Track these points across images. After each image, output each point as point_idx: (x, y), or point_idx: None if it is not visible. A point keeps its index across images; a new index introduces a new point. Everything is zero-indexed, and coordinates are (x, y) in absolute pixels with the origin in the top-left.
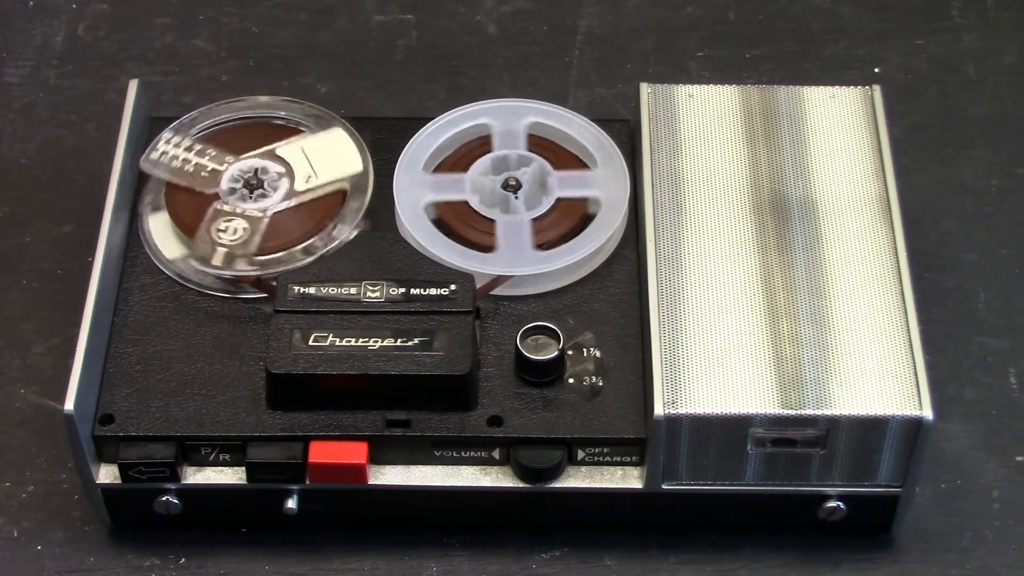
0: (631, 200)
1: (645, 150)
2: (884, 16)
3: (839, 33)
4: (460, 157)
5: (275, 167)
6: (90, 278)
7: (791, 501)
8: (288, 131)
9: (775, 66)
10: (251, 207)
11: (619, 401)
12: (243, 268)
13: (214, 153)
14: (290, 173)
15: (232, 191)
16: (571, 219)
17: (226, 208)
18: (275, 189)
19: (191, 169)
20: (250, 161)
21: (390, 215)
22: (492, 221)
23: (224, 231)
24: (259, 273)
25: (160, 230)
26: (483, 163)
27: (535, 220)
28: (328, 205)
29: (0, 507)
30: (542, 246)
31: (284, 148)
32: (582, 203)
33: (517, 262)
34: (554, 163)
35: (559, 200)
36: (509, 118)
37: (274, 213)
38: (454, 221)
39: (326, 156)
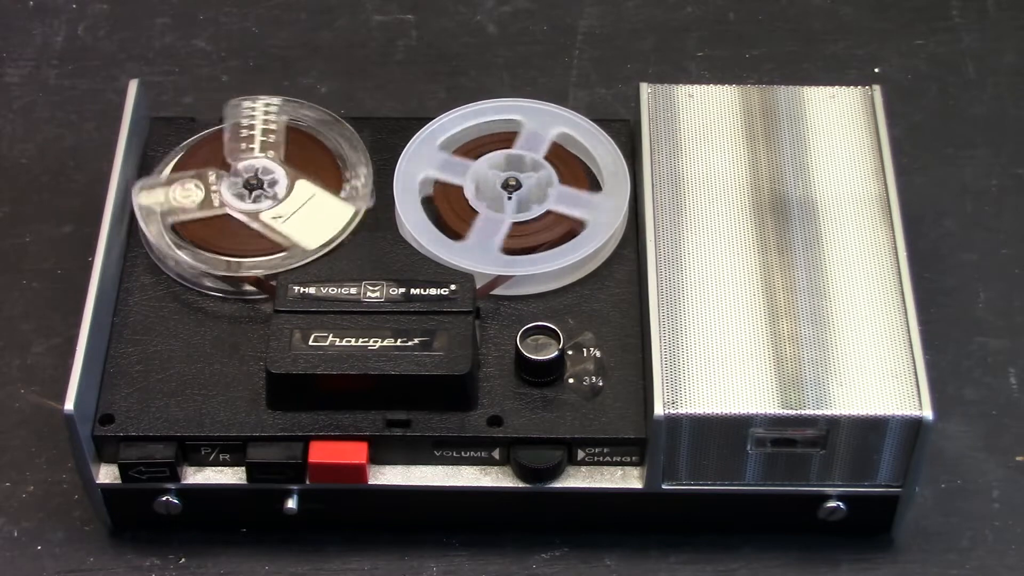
0: (631, 200)
1: (645, 150)
2: (884, 16)
3: (839, 33)
4: (477, 146)
5: (260, 163)
6: (90, 278)
7: (791, 501)
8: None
9: (775, 66)
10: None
11: (619, 401)
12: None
13: (193, 173)
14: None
15: (241, 196)
16: (552, 233)
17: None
18: (275, 183)
19: (193, 203)
20: (241, 168)
21: (390, 215)
22: (476, 213)
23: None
24: (259, 273)
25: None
26: (495, 157)
27: (517, 224)
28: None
29: (0, 507)
30: (511, 250)
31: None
32: (570, 221)
33: (480, 258)
34: (563, 177)
35: (548, 212)
36: (540, 122)
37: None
38: (442, 203)
39: (311, 218)
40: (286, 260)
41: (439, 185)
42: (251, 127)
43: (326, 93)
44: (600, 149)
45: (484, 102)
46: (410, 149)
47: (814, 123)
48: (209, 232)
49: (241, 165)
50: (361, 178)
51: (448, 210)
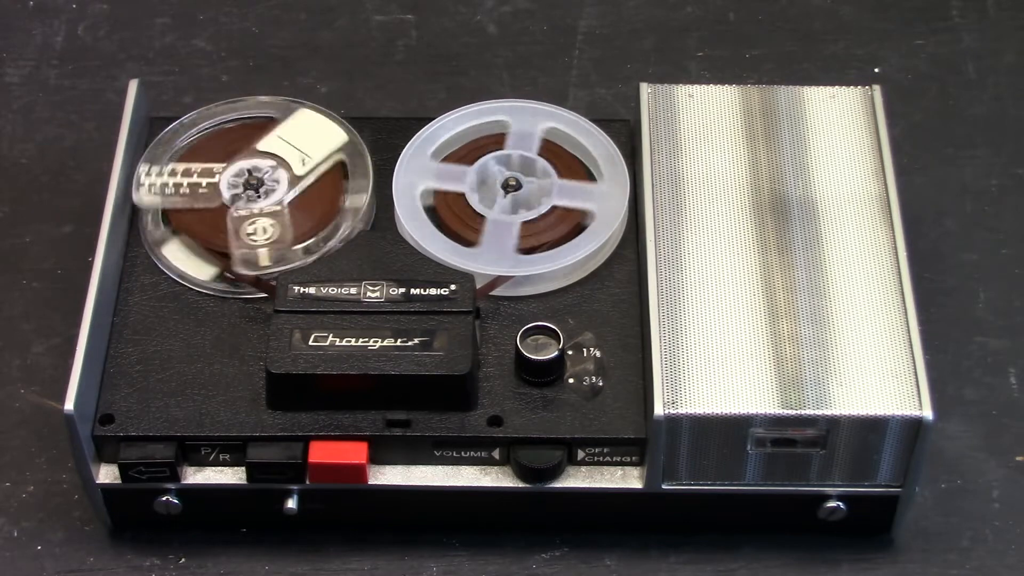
0: (631, 200)
1: (645, 150)
2: (884, 16)
3: (839, 33)
4: (471, 151)
5: (265, 163)
6: (90, 278)
7: (791, 501)
8: (257, 128)
9: (775, 66)
10: (265, 204)
11: (619, 401)
12: (284, 261)
13: (200, 168)
14: (282, 163)
15: (236, 197)
16: (562, 227)
17: (243, 213)
18: (277, 181)
19: (186, 191)
20: (238, 164)
21: (390, 215)
22: (483, 217)
23: (254, 233)
24: (259, 273)
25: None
26: (490, 159)
27: (526, 223)
28: (331, 197)
29: (0, 507)
30: (527, 250)
31: (264, 143)
32: (577, 213)
33: (498, 262)
34: (560, 171)
35: (555, 208)
36: (527, 120)
37: (289, 202)
38: (446, 212)
39: (307, 136)
40: (286, 260)
41: (440, 194)
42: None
43: (326, 93)
44: (590, 139)
45: (469, 106)
46: (403, 162)
47: (814, 123)
48: (209, 229)
49: (233, 168)
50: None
51: (454, 219)
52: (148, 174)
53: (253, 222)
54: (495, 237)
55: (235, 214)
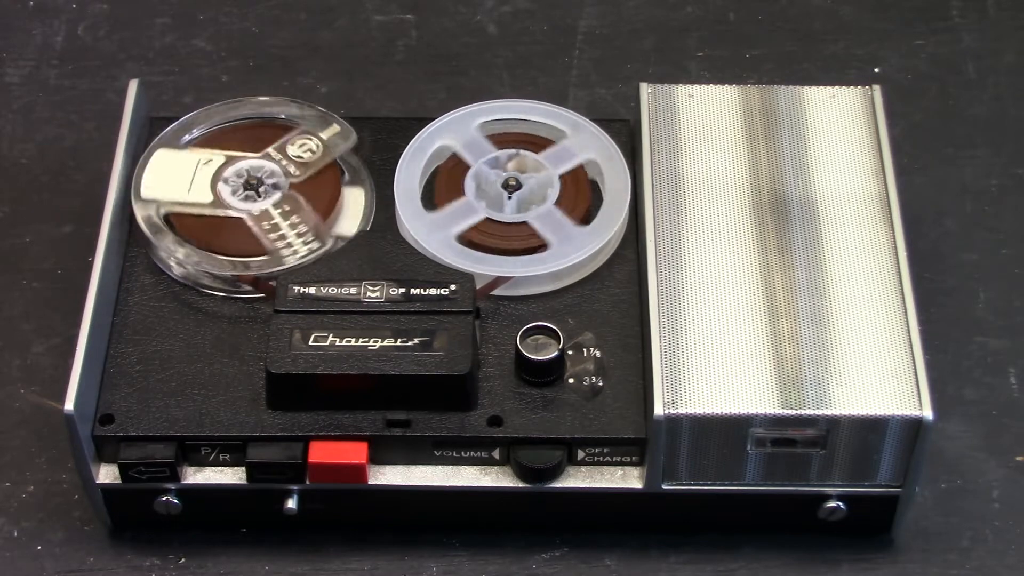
0: (631, 200)
1: (645, 150)
2: (884, 16)
3: (839, 33)
4: (447, 180)
5: (261, 163)
6: (90, 278)
7: (791, 501)
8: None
9: (775, 66)
10: (277, 196)
11: (619, 401)
12: (320, 239)
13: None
14: (277, 159)
15: (246, 199)
16: (583, 188)
17: (258, 213)
18: (276, 180)
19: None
20: (235, 167)
21: (390, 215)
22: (523, 224)
23: (283, 226)
24: (259, 273)
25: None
26: (473, 179)
27: (557, 204)
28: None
29: (0, 507)
30: (518, 251)
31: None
32: (581, 171)
33: (573, 247)
34: (532, 150)
35: (562, 177)
36: (460, 129)
37: (299, 185)
38: (483, 240)
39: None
40: (284, 260)
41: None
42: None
43: (326, 93)
44: (521, 110)
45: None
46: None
47: (814, 123)
48: (210, 231)
49: (235, 167)
50: (333, 126)
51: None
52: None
53: (271, 219)
54: (554, 229)
55: (251, 218)
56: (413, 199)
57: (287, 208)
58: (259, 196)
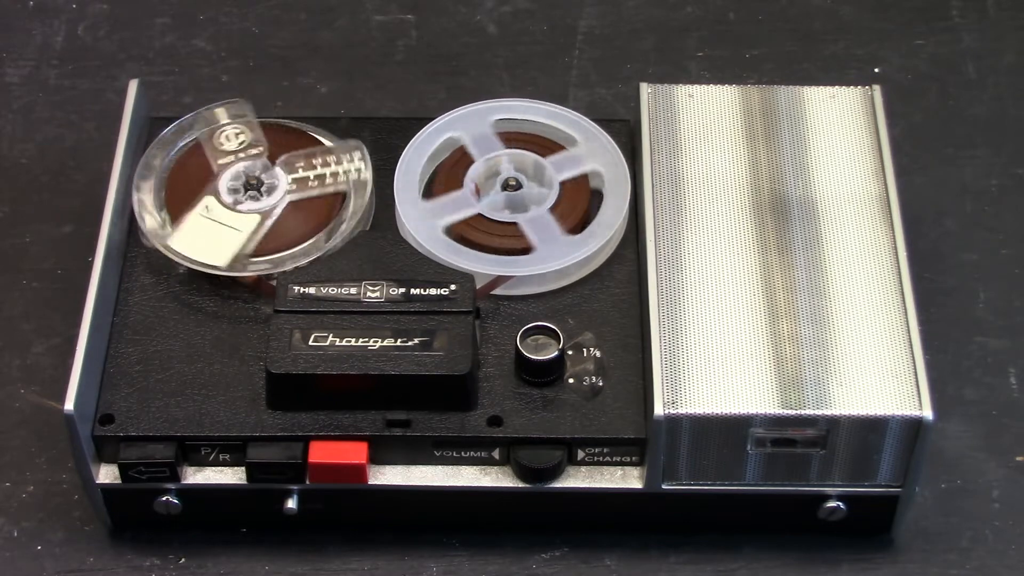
0: (631, 200)
1: (645, 150)
2: (884, 16)
3: (839, 33)
4: (449, 172)
5: (258, 163)
6: (90, 278)
7: (791, 501)
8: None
9: (775, 66)
10: (276, 198)
11: (619, 401)
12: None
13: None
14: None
15: (238, 199)
16: (582, 199)
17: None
18: (276, 179)
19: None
20: (233, 169)
21: (390, 215)
22: (513, 224)
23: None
24: (259, 273)
25: (169, 239)
26: (474, 172)
27: (552, 209)
28: (330, 204)
29: (0, 507)
30: (513, 251)
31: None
32: (584, 181)
33: (556, 254)
34: (540, 152)
35: (563, 184)
36: (475, 123)
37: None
38: (473, 234)
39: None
40: (287, 260)
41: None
42: (225, 136)
43: (326, 93)
44: (539, 113)
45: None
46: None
47: (814, 123)
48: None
49: (231, 171)
50: (355, 161)
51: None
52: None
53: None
54: (541, 233)
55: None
56: (413, 199)
57: (286, 211)
58: (261, 195)
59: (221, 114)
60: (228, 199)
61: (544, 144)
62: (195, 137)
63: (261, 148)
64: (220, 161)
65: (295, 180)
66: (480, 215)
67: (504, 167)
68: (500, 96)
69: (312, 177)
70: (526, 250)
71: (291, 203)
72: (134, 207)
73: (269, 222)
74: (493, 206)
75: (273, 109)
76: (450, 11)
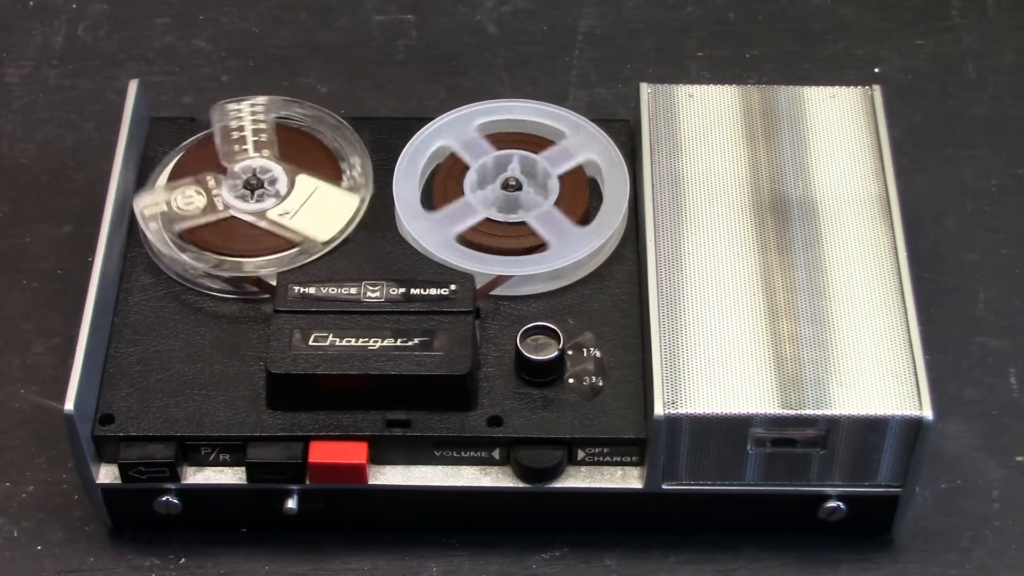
0: (631, 200)
1: (645, 150)
2: (884, 16)
3: (839, 33)
4: (445, 180)
5: (259, 163)
6: (90, 278)
7: (791, 501)
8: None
9: (775, 66)
10: (272, 203)
11: (619, 401)
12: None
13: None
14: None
15: (242, 199)
16: (582, 188)
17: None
18: (276, 179)
19: (196, 209)
20: (234, 169)
21: (390, 215)
22: (522, 224)
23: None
24: (259, 273)
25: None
26: (472, 179)
27: (557, 204)
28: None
29: (0, 507)
30: (514, 251)
31: (299, 175)
32: (580, 172)
33: (572, 247)
34: (532, 150)
35: (561, 178)
36: (460, 129)
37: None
38: (482, 240)
39: (317, 211)
40: (291, 259)
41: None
42: (241, 128)
43: (326, 93)
44: (519, 111)
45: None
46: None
47: (814, 123)
48: (213, 235)
49: (238, 167)
50: (358, 167)
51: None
52: (143, 198)
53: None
54: (553, 229)
55: (269, 216)
56: (413, 199)
57: (285, 213)
58: (258, 197)
59: (236, 110)
60: (230, 196)
61: (534, 142)
62: (207, 132)
63: (272, 149)
64: (228, 158)
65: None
66: (488, 220)
67: (501, 168)
68: (498, 96)
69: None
70: (528, 250)
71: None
72: (135, 211)
73: (263, 223)
74: (497, 208)
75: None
76: (450, 11)
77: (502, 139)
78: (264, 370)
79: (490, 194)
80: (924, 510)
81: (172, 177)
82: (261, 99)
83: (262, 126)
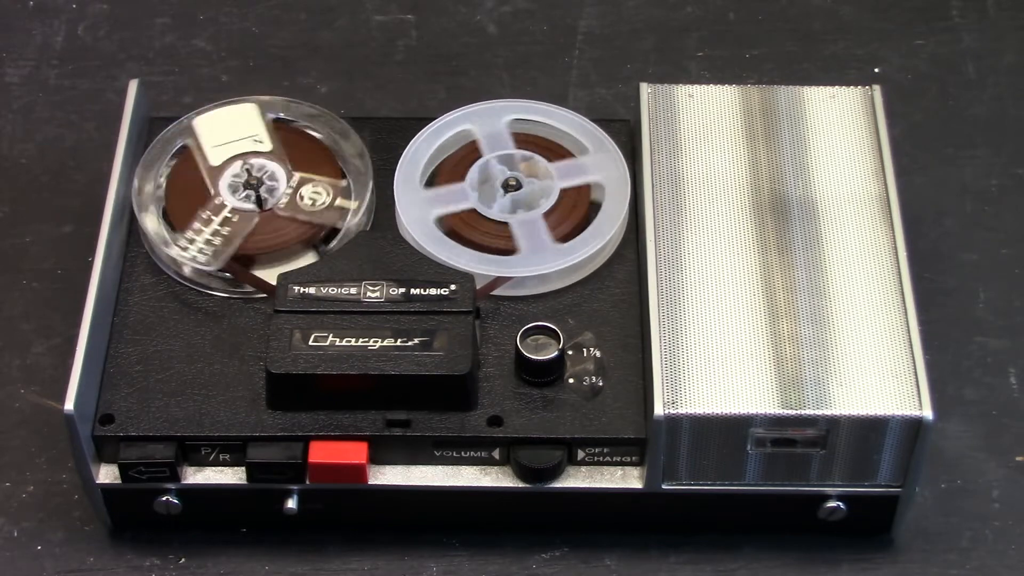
0: (631, 200)
1: (645, 150)
2: (884, 16)
3: (839, 33)
4: (454, 166)
5: (255, 161)
6: (90, 278)
7: (791, 501)
8: None
9: (775, 66)
10: (273, 199)
11: (619, 401)
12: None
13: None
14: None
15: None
16: (579, 208)
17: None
18: (276, 178)
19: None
20: (231, 169)
21: (390, 215)
22: (504, 224)
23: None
24: (259, 273)
25: (159, 230)
26: (478, 168)
27: (546, 215)
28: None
29: (0, 507)
30: (561, 239)
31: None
32: (585, 191)
33: (542, 259)
34: (547, 156)
35: (563, 192)
36: (490, 120)
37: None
38: (465, 229)
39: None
40: (289, 260)
41: (451, 217)
42: (240, 128)
43: (326, 93)
44: (556, 118)
45: (434, 122)
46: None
47: (814, 123)
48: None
49: (236, 167)
50: (358, 167)
51: (477, 233)
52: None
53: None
54: (530, 237)
55: (278, 213)
56: (412, 190)
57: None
58: (259, 196)
59: (232, 111)
60: (227, 195)
61: (552, 148)
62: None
63: (269, 147)
64: (226, 159)
65: (289, 202)
66: (475, 211)
67: (507, 166)
68: (498, 96)
69: (304, 197)
70: (504, 251)
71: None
72: (134, 208)
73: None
74: (489, 203)
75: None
76: (450, 11)
77: (520, 139)
78: (264, 370)
79: (489, 188)
80: (924, 510)
81: (172, 176)
82: (261, 99)
83: (261, 126)
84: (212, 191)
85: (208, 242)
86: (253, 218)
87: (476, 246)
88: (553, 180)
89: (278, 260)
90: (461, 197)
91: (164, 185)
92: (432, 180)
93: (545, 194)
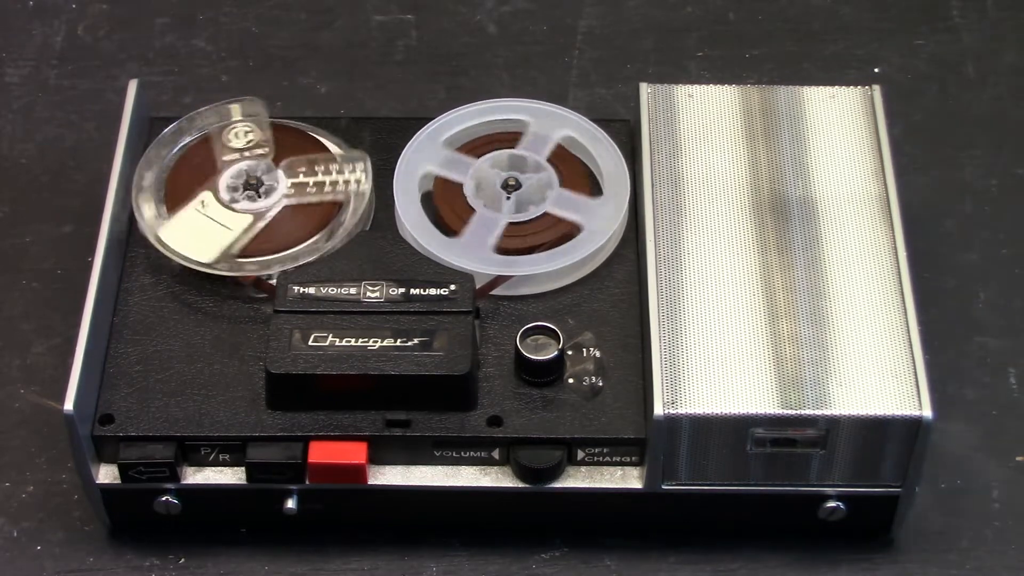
0: (631, 200)
1: (645, 150)
2: (884, 16)
3: (839, 33)
4: (483, 145)
5: (255, 162)
6: (90, 278)
7: (791, 501)
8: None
9: (775, 66)
10: (269, 201)
11: (619, 401)
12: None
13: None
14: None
15: (236, 198)
16: (573, 163)
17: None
18: (275, 178)
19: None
20: (230, 170)
21: (390, 215)
22: (518, 224)
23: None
24: (259, 273)
25: (160, 229)
26: (498, 156)
27: (515, 224)
28: (327, 210)
29: (0, 507)
30: (509, 250)
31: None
32: (560, 149)
33: (473, 255)
34: (563, 180)
35: (546, 214)
36: (546, 123)
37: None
38: (441, 200)
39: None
40: (286, 260)
41: (439, 181)
42: (239, 128)
43: (326, 93)
44: (602, 152)
45: (490, 101)
46: (413, 144)
47: (814, 123)
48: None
49: (235, 167)
50: (359, 167)
51: (447, 208)
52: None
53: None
54: (477, 232)
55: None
56: (413, 198)
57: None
58: (259, 196)
59: (234, 111)
60: (226, 196)
61: (505, 139)
62: (205, 132)
63: (267, 149)
64: (225, 158)
65: (294, 184)
66: (511, 223)
67: (491, 173)
68: (498, 96)
69: (312, 183)
70: (528, 250)
71: (288, 206)
72: (133, 196)
73: (262, 223)
74: (497, 207)
75: (273, 109)
76: (450, 11)
77: (472, 147)
78: (264, 370)
79: (497, 200)
80: (924, 510)
81: (171, 177)
82: (258, 101)
83: (260, 126)
84: (212, 191)
85: (208, 242)
86: (253, 218)
87: (436, 216)
88: (547, 202)
89: (283, 260)
90: (462, 169)
91: (164, 185)
92: (442, 224)
93: (531, 208)
